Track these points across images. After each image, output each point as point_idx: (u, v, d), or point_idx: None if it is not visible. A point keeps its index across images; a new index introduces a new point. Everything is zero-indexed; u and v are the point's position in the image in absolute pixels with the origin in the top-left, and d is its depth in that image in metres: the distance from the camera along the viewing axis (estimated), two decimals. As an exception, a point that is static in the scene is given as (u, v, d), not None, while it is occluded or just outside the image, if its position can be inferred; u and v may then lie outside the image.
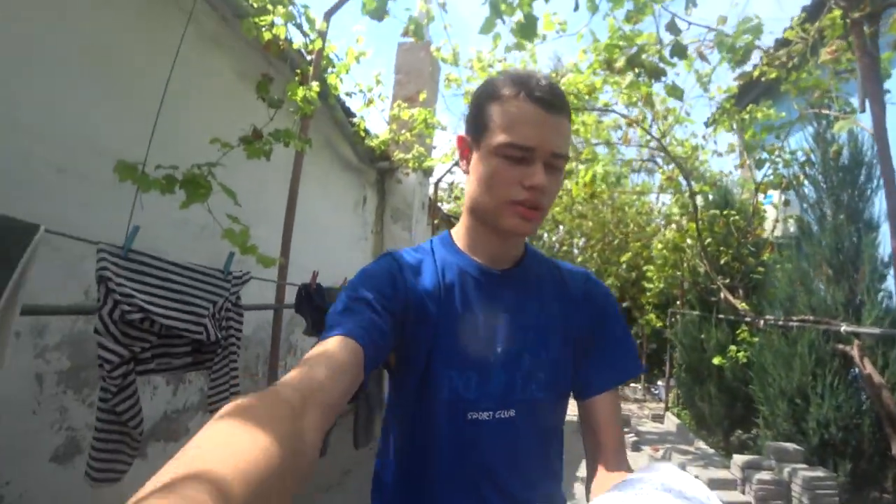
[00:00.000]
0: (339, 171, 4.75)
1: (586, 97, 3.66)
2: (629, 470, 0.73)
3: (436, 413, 0.72)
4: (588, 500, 0.74)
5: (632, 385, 8.06)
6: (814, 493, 2.66)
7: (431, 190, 6.81)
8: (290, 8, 2.20)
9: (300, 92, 2.23)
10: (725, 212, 4.53)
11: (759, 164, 3.94)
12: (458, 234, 0.81)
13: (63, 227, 1.42)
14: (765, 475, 2.83)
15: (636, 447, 4.69)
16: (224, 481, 0.27)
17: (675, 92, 3.14)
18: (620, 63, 2.85)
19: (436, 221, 6.53)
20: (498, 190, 0.69)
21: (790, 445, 3.08)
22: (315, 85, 2.46)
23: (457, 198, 7.93)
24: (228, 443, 0.31)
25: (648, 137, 4.50)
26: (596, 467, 0.76)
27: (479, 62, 3.71)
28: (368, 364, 0.58)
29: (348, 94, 3.65)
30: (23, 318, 1.08)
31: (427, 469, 0.74)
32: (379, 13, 1.83)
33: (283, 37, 2.30)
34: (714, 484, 2.88)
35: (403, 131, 4.71)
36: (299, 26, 2.40)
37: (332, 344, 0.56)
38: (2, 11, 1.74)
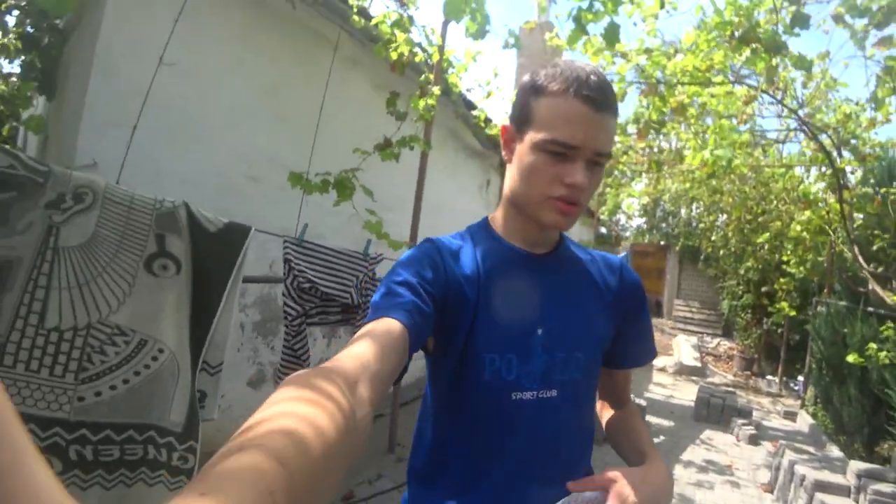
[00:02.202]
0: (464, 158, 5.19)
1: (706, 74, 3.51)
2: (634, 410, 0.92)
3: (478, 394, 0.73)
4: (602, 416, 0.94)
5: (767, 378, 7.40)
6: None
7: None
8: (412, 31, 2.61)
9: (421, 103, 2.65)
10: (884, 189, 3.96)
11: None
12: (497, 219, 0.83)
13: (254, 222, 2.01)
14: (884, 487, 2.60)
15: (754, 441, 4.47)
16: (284, 454, 0.29)
17: (803, 63, 2.91)
18: (734, 41, 2.75)
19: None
20: (538, 185, 0.70)
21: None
22: (436, 89, 2.85)
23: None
24: (287, 418, 0.33)
25: (787, 108, 4.10)
26: (610, 405, 0.94)
27: (591, 47, 3.77)
28: (413, 345, 0.60)
29: (468, 90, 4.00)
30: (241, 286, 1.67)
31: (472, 450, 0.75)
32: (480, 34, 2.14)
33: (406, 54, 2.72)
34: (820, 486, 2.75)
35: (519, 117, 4.95)
36: (419, 45, 2.79)
37: (378, 326, 0.58)
38: (205, 69, 2.42)
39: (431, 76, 3.01)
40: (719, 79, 3.56)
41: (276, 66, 2.76)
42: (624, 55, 3.75)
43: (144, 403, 1.42)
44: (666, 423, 4.90)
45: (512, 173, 0.76)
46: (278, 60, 2.78)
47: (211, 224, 1.55)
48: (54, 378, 1.28)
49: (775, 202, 6.44)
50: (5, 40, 2.40)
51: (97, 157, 1.90)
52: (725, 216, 7.93)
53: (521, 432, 0.73)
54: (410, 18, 2.65)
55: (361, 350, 0.51)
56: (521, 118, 0.72)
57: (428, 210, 3.60)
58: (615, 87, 3.97)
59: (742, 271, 7.67)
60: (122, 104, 1.85)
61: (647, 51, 3.65)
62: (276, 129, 2.76)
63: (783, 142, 5.39)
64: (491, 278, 0.75)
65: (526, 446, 0.74)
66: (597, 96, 0.66)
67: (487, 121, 4.59)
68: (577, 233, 8.92)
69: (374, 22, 2.63)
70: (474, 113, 4.28)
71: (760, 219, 6.75)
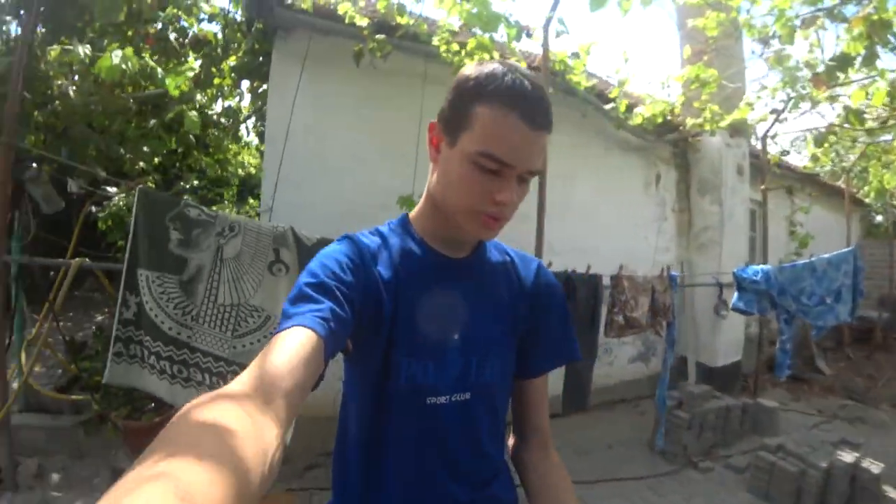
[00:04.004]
0: (618, 157, 4.84)
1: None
2: (555, 451, 0.86)
3: (394, 399, 0.74)
4: (520, 465, 0.86)
5: None
6: None
7: (760, 147, 5.75)
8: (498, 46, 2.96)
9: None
10: None
11: None
12: (418, 219, 0.81)
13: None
14: None
15: None
16: (188, 489, 0.28)
17: None
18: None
19: (763, 187, 5.10)
20: (467, 198, 0.69)
21: None
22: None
23: (784, 152, 6.09)
24: (192, 445, 0.32)
25: None
26: (529, 445, 0.86)
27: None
28: (328, 353, 0.58)
29: (591, 88, 3.96)
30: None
31: (389, 451, 0.76)
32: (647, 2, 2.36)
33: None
34: None
35: (678, 95, 4.55)
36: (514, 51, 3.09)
37: (291, 335, 0.55)
38: (331, 125, 3.28)
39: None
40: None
41: (381, 109, 3.42)
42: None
43: (272, 356, 2.23)
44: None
45: (439, 176, 0.74)
46: (384, 104, 3.42)
47: (308, 240, 2.31)
48: (222, 333, 2.19)
49: None
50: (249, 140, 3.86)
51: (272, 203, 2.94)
52: None
53: (436, 435, 0.76)
54: (491, 38, 2.98)
55: (273, 365, 0.50)
56: (456, 121, 0.69)
57: (572, 218, 3.83)
58: (775, 28, 3.33)
59: None
60: (282, 165, 2.83)
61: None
62: (387, 160, 3.40)
63: None
64: (409, 283, 0.75)
65: (442, 448, 0.77)
66: (538, 114, 0.66)
67: (630, 109, 4.35)
68: (821, 218, 7.06)
69: (468, 48, 3.01)
70: (612, 106, 4.17)
71: None
